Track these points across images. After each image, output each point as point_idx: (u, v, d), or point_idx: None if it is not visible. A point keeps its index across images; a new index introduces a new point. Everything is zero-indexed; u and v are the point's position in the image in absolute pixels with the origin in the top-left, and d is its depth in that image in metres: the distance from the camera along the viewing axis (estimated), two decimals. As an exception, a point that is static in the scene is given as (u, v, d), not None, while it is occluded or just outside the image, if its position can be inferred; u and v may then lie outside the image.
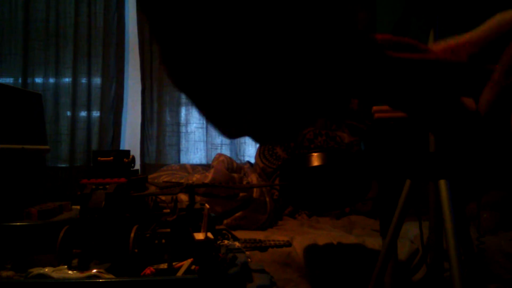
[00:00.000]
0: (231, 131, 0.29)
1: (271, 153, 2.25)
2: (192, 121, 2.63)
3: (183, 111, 2.63)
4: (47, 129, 2.03)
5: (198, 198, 1.61)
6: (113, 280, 0.71)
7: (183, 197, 1.57)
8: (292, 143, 2.26)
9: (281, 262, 1.53)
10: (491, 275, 1.50)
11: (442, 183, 0.98)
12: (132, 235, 0.82)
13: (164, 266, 0.78)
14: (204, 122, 2.61)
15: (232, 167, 2.08)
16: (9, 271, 0.81)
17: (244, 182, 1.96)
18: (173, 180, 1.72)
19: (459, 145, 0.79)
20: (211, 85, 0.25)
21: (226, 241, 0.95)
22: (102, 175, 0.94)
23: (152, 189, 1.71)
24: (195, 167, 2.25)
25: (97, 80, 2.62)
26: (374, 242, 1.62)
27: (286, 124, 0.28)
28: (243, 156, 2.60)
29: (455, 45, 0.31)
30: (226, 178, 1.87)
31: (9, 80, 2.60)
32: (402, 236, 1.49)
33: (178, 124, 2.61)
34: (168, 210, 1.01)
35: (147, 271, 0.77)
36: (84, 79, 2.61)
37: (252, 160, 2.39)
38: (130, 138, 2.72)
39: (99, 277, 0.72)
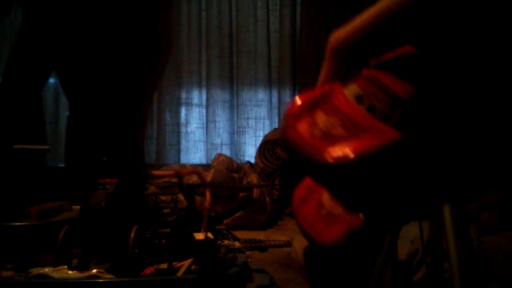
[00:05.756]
0: None
1: (271, 153, 2.25)
2: (192, 121, 2.62)
3: (183, 111, 2.62)
4: (47, 129, 2.03)
5: (198, 198, 1.60)
6: (113, 280, 0.71)
7: (183, 197, 1.57)
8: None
9: (281, 262, 1.53)
10: (491, 275, 1.50)
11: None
12: (132, 235, 0.82)
13: (164, 266, 0.78)
14: (204, 122, 2.61)
15: (232, 167, 2.07)
16: (9, 271, 0.81)
17: (244, 182, 1.95)
18: (173, 180, 1.72)
19: (459, 146, 0.79)
20: None
21: (226, 241, 0.95)
22: (102, 175, 0.94)
23: (152, 189, 1.71)
24: (195, 167, 2.25)
25: (97, 80, 2.62)
26: (374, 242, 1.62)
27: None
28: (243, 156, 2.60)
29: None
30: (226, 178, 1.87)
31: (9, 80, 2.60)
32: (402, 236, 1.48)
33: (178, 124, 2.60)
34: (168, 210, 1.01)
35: (147, 271, 0.77)
36: (84, 79, 2.61)
37: (252, 160, 2.38)
38: (130, 138, 2.72)
39: (99, 277, 0.72)
